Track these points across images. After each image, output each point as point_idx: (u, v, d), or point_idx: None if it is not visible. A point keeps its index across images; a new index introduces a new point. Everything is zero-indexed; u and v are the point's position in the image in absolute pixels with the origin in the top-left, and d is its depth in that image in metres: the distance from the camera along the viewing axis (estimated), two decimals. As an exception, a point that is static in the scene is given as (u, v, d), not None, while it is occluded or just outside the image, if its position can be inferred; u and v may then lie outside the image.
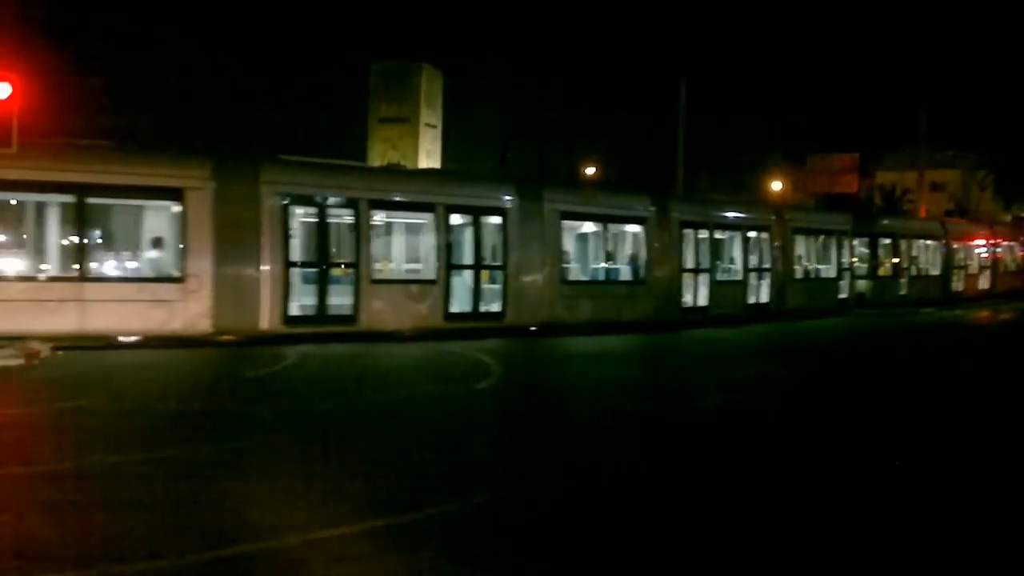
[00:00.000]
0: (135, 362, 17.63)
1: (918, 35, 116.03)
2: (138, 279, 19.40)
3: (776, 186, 78.23)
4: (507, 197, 23.61)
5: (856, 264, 34.72)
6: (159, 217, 20.02)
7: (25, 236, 19.79)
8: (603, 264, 26.37)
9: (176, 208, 19.07)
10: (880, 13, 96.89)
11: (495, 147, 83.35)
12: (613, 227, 26.74)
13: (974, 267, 43.40)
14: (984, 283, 43.97)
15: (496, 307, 23.31)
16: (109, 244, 20.17)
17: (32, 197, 19.23)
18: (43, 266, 19.27)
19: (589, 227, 26.58)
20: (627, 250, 27.28)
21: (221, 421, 12.18)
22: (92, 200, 18.73)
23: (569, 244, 26.13)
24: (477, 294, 23.01)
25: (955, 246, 41.52)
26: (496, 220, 23.25)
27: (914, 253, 38.45)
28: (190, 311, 18.80)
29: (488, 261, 23.44)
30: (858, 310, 33.39)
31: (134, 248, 20.30)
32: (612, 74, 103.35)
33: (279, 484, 8.99)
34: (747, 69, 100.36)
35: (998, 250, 46.22)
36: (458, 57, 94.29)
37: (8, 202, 19.45)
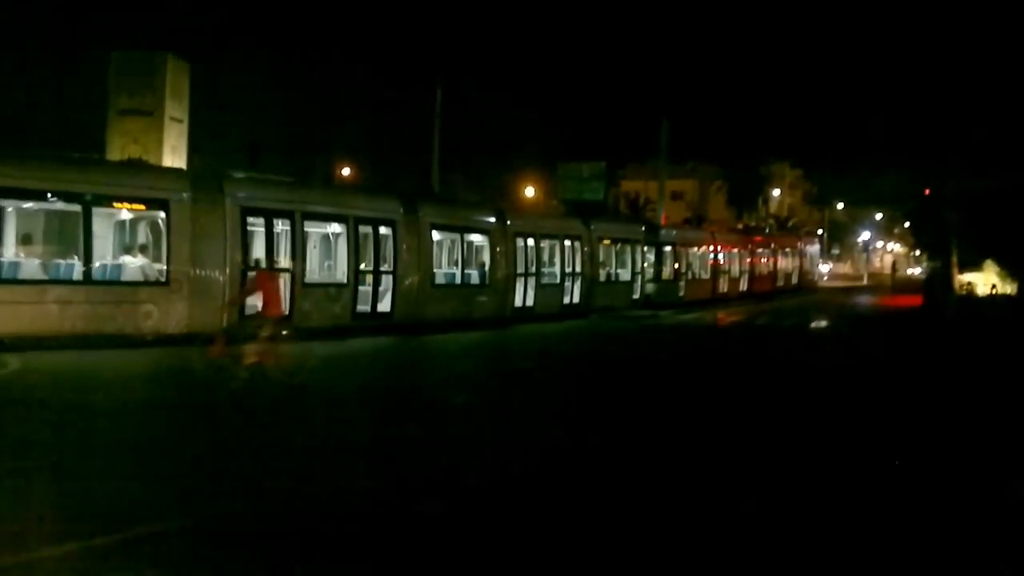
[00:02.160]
0: None
1: (661, 54, 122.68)
2: (129, 283, 20.08)
3: (529, 191, 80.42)
4: (396, 210, 25.88)
5: (646, 269, 38.77)
6: (147, 225, 21.24)
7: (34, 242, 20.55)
8: (459, 269, 28.86)
9: (162, 217, 20.39)
10: (624, 34, 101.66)
11: (245, 142, 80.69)
12: (468, 236, 29.13)
13: (735, 271, 48.35)
14: (744, 285, 49.05)
15: (386, 307, 25.21)
16: (103, 249, 20.55)
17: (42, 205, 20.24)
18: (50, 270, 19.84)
19: (447, 236, 29.08)
20: (476, 257, 29.79)
21: None
22: (95, 209, 19.69)
23: (436, 251, 28.54)
24: (376, 296, 24.92)
25: (721, 253, 46.29)
26: (387, 231, 25.35)
27: (690, 260, 42.94)
28: (173, 312, 20.10)
29: (383, 267, 25.29)
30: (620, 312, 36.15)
31: (124, 253, 20.97)
32: (369, 72, 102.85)
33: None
34: (502, 74, 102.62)
35: (754, 257, 51.75)
36: (206, 48, 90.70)
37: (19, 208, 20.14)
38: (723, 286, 46.39)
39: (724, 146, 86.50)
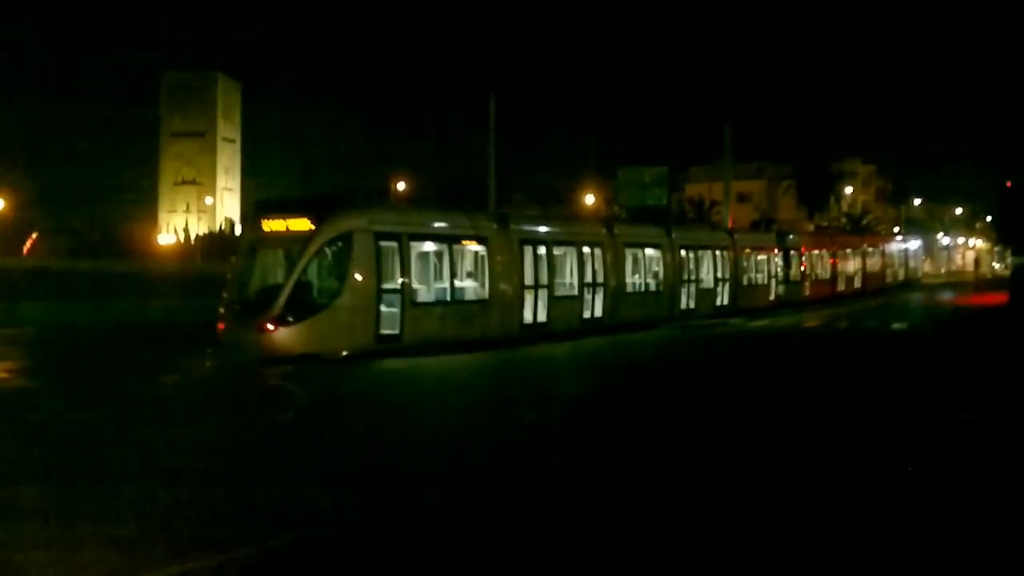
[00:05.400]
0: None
1: (721, 51, 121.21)
2: (470, 301, 26.42)
3: (589, 200, 79.87)
4: (601, 231, 32.22)
5: (778, 272, 44.13)
6: (474, 255, 26.93)
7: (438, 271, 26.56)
8: (640, 278, 34.37)
9: (482, 249, 26.55)
10: (685, 31, 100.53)
11: (298, 161, 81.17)
12: (646, 251, 34.48)
13: (851, 270, 53.74)
14: (858, 283, 54.36)
15: (599, 312, 30.67)
16: (458, 275, 26.41)
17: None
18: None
19: (632, 251, 33.77)
20: (651, 267, 34.75)
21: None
22: (453, 246, 25.82)
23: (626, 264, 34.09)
24: (593, 303, 30.53)
25: (838, 255, 51.58)
26: (598, 250, 30.84)
27: (813, 262, 48.27)
28: (491, 321, 26.44)
29: (598, 280, 30.81)
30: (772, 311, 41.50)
31: (465, 278, 26.86)
32: (424, 88, 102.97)
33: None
34: (558, 82, 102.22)
35: (867, 256, 56.41)
36: (257, 67, 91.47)
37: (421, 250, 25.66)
38: (841, 285, 51.54)
39: (792, 143, 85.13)
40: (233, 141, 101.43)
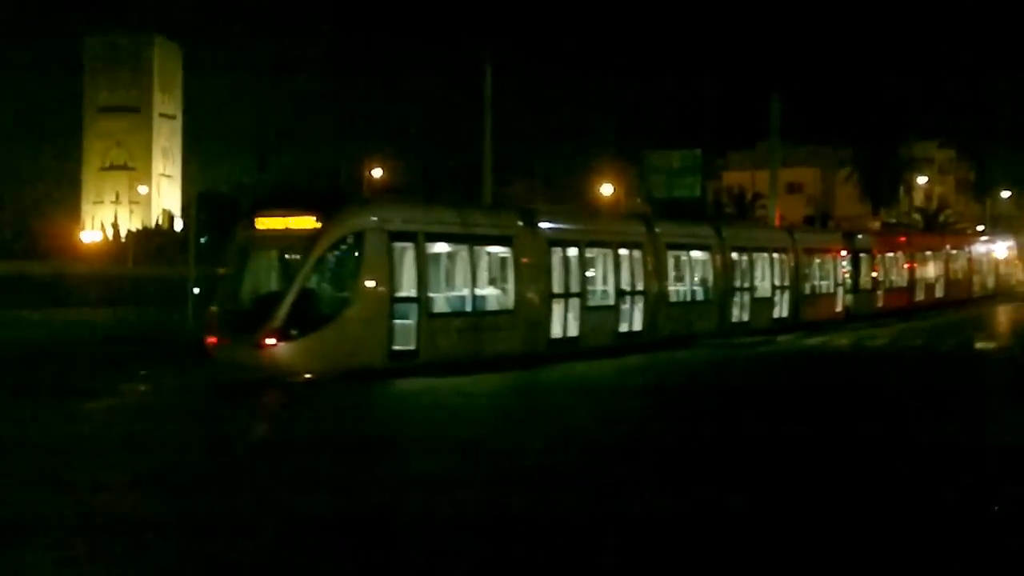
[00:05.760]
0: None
1: (768, 11, 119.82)
2: (493, 312, 26.85)
3: (607, 190, 78.67)
4: (641, 230, 32.89)
5: (845, 279, 44.32)
6: (499, 260, 27.48)
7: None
8: (686, 286, 34.94)
9: (508, 252, 27.09)
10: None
11: (252, 142, 79.05)
12: (692, 253, 35.36)
13: (931, 277, 54.03)
14: (940, 292, 54.26)
15: (638, 326, 31.19)
16: (480, 282, 26.77)
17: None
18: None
19: (676, 253, 34.68)
20: (698, 273, 35.43)
21: None
22: (476, 247, 26.43)
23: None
24: (631, 315, 31.03)
25: (916, 259, 52.04)
26: (638, 253, 31.45)
27: (887, 267, 48.56)
28: (516, 334, 26.69)
29: (637, 287, 31.39)
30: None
31: (488, 285, 27.17)
32: (406, 53, 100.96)
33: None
34: (568, 50, 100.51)
35: (950, 260, 56.90)
36: (202, 28, 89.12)
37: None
38: (920, 294, 51.49)
39: (853, 123, 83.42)
40: (173, 118, 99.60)
